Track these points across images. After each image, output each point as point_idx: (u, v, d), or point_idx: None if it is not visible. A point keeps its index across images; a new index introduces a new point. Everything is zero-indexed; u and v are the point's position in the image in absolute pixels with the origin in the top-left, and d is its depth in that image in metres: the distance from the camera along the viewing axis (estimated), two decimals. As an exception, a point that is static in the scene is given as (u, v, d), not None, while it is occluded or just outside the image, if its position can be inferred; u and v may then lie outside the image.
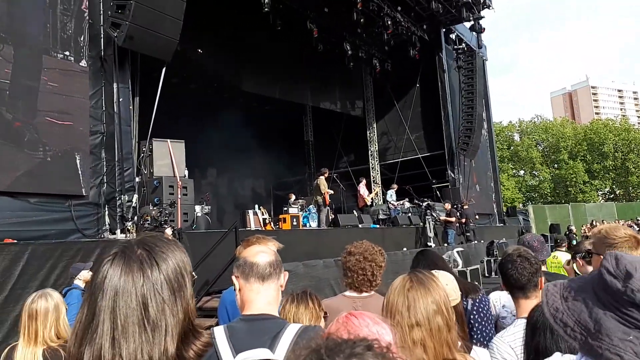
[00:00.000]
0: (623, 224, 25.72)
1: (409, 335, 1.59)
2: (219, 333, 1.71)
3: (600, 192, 55.57)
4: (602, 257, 2.97)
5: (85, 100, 7.81)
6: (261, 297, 1.74)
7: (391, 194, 15.97)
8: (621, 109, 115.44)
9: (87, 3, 8.03)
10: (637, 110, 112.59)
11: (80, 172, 7.52)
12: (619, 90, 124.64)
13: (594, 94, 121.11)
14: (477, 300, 2.76)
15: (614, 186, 55.19)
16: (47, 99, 7.29)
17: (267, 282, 1.74)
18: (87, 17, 8.02)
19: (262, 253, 1.81)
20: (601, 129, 54.32)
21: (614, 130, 54.08)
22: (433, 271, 2.25)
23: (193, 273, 1.15)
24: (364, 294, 2.65)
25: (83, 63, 7.79)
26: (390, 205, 15.50)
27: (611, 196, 55.78)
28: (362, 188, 15.81)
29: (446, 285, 2.14)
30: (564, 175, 52.56)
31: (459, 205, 15.54)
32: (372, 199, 16.19)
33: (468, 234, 15.02)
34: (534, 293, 2.31)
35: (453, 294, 2.17)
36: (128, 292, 0.99)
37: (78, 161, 7.49)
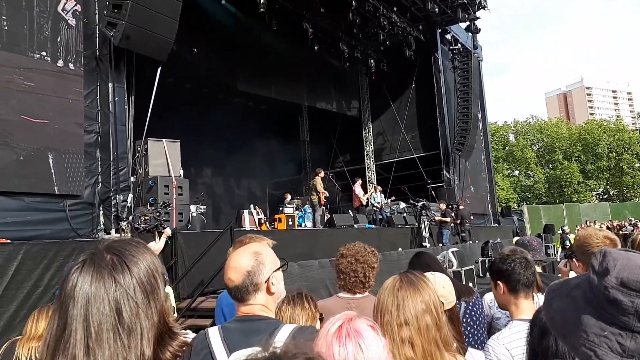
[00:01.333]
0: (613, 225, 25.83)
1: (398, 334, 1.62)
2: (214, 333, 1.72)
3: (595, 193, 55.85)
4: (578, 262, 2.97)
5: (63, 99, 7.66)
6: (248, 309, 1.74)
7: (374, 197, 15.90)
8: (615, 110, 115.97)
9: (73, 4, 7.92)
10: (631, 111, 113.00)
11: (53, 171, 7.34)
12: (613, 91, 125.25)
13: (589, 94, 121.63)
14: (470, 304, 2.77)
15: (608, 186, 55.46)
16: (20, 98, 7.13)
17: (246, 302, 1.73)
18: (69, 18, 7.89)
19: (229, 274, 1.74)
20: (595, 129, 54.56)
21: (608, 131, 54.34)
22: (430, 273, 2.26)
23: (165, 274, 1.16)
24: (358, 295, 2.66)
25: (60, 63, 7.70)
26: (375, 208, 15.46)
27: (605, 196, 56.09)
28: (357, 188, 15.82)
29: (442, 287, 2.15)
30: (558, 176, 52.78)
31: (454, 206, 15.58)
32: (367, 199, 16.21)
33: (463, 234, 15.06)
34: (532, 294, 2.31)
35: (449, 296, 2.18)
36: (100, 298, 0.98)
37: (51, 160, 7.33)
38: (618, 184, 54.00)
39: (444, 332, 1.68)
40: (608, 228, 22.11)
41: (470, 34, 18.62)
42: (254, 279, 1.72)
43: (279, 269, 1.80)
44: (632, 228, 22.82)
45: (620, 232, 20.38)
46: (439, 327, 1.66)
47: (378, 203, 15.47)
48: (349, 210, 15.22)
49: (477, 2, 17.61)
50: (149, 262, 1.07)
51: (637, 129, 59.60)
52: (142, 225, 7.87)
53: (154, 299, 1.04)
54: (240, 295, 1.73)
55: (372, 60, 18.46)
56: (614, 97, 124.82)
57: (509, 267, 2.34)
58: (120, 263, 1.03)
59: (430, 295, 1.69)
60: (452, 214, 14.88)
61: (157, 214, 7.73)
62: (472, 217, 16.66)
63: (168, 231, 7.51)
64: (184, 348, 1.10)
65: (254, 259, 1.74)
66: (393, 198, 15.94)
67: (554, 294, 1.02)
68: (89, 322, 0.96)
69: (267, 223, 13.24)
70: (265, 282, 1.73)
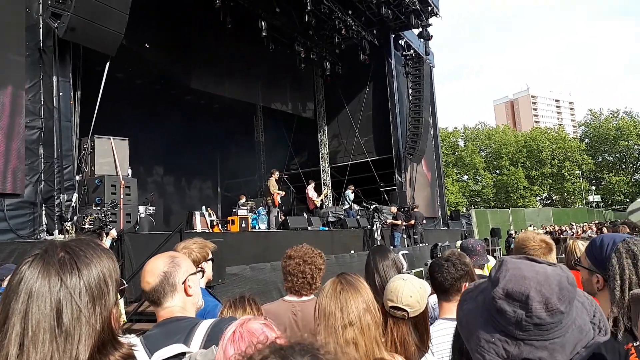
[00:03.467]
0: (555, 229, 27.06)
1: (342, 336, 1.65)
2: (135, 342, 1.72)
3: (539, 198, 58.39)
4: None
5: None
6: (167, 312, 1.77)
7: (347, 195, 16.23)
8: (558, 118, 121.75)
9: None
10: (572, 120, 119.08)
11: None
12: (557, 100, 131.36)
13: (534, 102, 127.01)
14: None
15: (551, 192, 58.15)
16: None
17: (163, 304, 1.76)
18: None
19: (146, 277, 1.78)
20: (540, 137, 57.14)
21: (551, 139, 57.03)
22: (400, 277, 2.23)
23: (124, 281, 1.11)
24: (304, 298, 2.67)
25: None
26: (353, 205, 15.84)
27: (548, 202, 58.75)
28: (311, 191, 15.88)
29: (410, 297, 2.06)
30: (505, 181, 54.85)
31: (407, 209, 15.89)
32: (321, 200, 16.28)
33: (416, 237, 15.38)
34: (456, 297, 2.44)
35: (416, 305, 2.06)
36: (43, 296, 0.94)
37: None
38: (560, 190, 56.69)
39: (381, 330, 1.75)
40: (550, 232, 23.15)
41: (422, 40, 19.06)
42: (171, 280, 1.76)
43: (194, 273, 1.86)
44: (572, 233, 23.98)
45: (561, 236, 21.35)
46: (378, 325, 1.72)
47: (351, 202, 15.89)
48: (304, 213, 15.24)
49: (430, 9, 18.08)
50: (102, 266, 1.02)
51: (577, 138, 62.79)
52: (87, 226, 7.58)
53: (100, 305, 1.00)
54: (157, 296, 1.75)
55: (327, 63, 18.56)
56: (557, 106, 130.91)
57: (431, 271, 2.51)
58: (71, 263, 0.99)
59: (368, 294, 1.75)
60: (403, 217, 15.16)
61: (103, 215, 7.45)
62: (424, 221, 17.04)
63: (113, 232, 7.27)
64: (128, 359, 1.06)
65: (169, 262, 1.80)
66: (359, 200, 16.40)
67: (467, 296, 1.06)
68: (28, 319, 0.93)
69: (220, 225, 13.04)
70: (182, 283, 1.78)
